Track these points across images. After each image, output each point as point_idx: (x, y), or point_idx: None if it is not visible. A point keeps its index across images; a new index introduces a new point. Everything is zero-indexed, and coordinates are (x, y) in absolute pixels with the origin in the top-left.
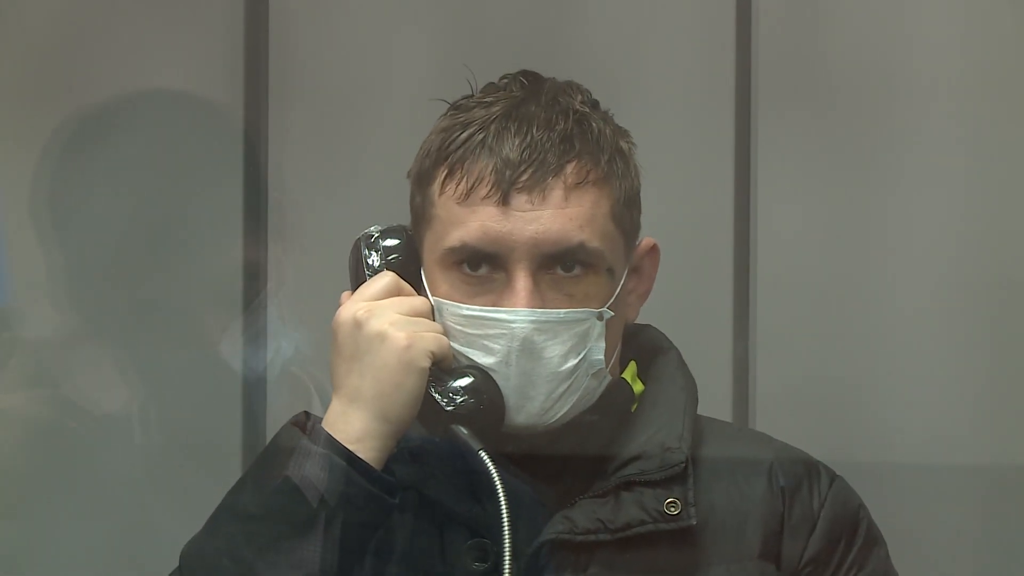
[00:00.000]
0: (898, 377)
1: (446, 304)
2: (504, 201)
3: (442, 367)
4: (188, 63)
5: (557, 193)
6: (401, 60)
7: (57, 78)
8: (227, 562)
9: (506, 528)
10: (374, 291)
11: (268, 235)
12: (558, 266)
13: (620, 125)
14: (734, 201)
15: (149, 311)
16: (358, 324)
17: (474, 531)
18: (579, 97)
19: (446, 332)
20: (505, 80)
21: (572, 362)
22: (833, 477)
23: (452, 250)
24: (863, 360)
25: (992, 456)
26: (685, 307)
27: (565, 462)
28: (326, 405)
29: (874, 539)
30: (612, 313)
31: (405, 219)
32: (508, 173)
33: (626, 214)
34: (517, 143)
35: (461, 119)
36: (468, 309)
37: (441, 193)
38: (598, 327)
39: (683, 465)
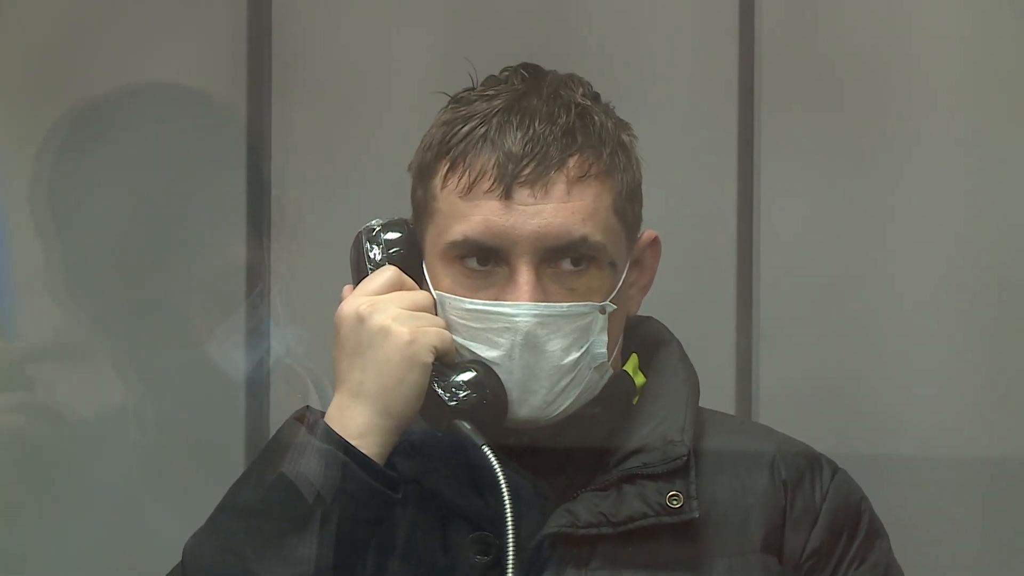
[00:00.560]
0: (900, 371)
1: (448, 298)
2: (507, 195)
3: (445, 362)
4: (190, 58)
5: (560, 187)
6: (404, 55)
7: (59, 75)
8: (229, 557)
9: (509, 522)
10: (376, 285)
11: (271, 231)
12: (560, 260)
13: (621, 118)
14: (737, 194)
15: (151, 308)
16: (361, 319)
17: (476, 525)
18: (580, 90)
19: (448, 326)
20: (506, 73)
21: (574, 355)
22: (835, 470)
23: (454, 244)
24: (866, 353)
25: (994, 450)
26: (688, 301)
27: (567, 455)
28: (327, 400)
29: (876, 532)
30: (615, 306)
31: (408, 213)
32: (511, 167)
33: (628, 207)
34: (519, 137)
35: (463, 112)
36: (471, 303)
37: (443, 187)
38: (600, 320)
39: (685, 458)
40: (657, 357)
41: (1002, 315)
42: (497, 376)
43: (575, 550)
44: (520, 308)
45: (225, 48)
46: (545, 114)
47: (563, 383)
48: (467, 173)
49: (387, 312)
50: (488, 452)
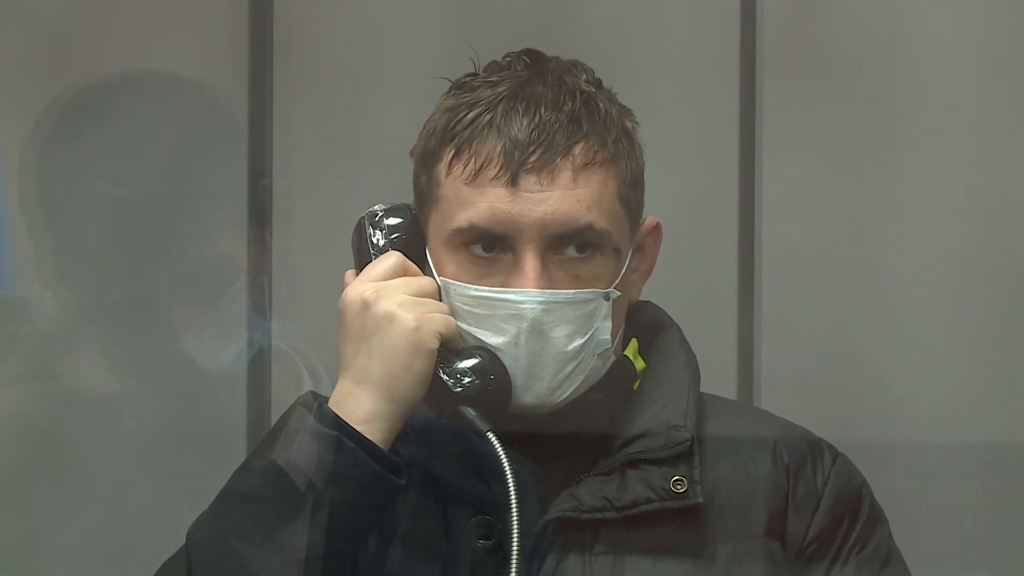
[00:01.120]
0: (902, 355)
1: (453, 284)
2: (513, 182)
3: (450, 348)
4: (191, 47)
5: (566, 174)
6: (404, 40)
7: (61, 67)
8: (232, 542)
9: (514, 506)
10: (381, 271)
11: (272, 218)
12: (566, 247)
13: (624, 104)
14: (739, 179)
15: (151, 297)
16: (366, 305)
17: (479, 509)
18: (584, 76)
19: (453, 313)
20: (508, 59)
21: (579, 342)
22: (836, 455)
23: (460, 231)
24: (867, 338)
25: (995, 434)
26: (691, 286)
27: (570, 441)
28: (321, 386)
29: (877, 517)
30: (619, 293)
31: (410, 199)
32: (517, 154)
33: (631, 194)
34: (525, 124)
35: (467, 98)
36: (476, 290)
37: (448, 173)
38: (605, 307)
39: (689, 443)
40: (657, 342)
41: (1004, 300)
42: (501, 363)
43: (578, 535)
44: (526, 295)
45: (227, 36)
46: (551, 101)
47: (568, 370)
48: (473, 160)
49: (392, 298)
50: (493, 439)
